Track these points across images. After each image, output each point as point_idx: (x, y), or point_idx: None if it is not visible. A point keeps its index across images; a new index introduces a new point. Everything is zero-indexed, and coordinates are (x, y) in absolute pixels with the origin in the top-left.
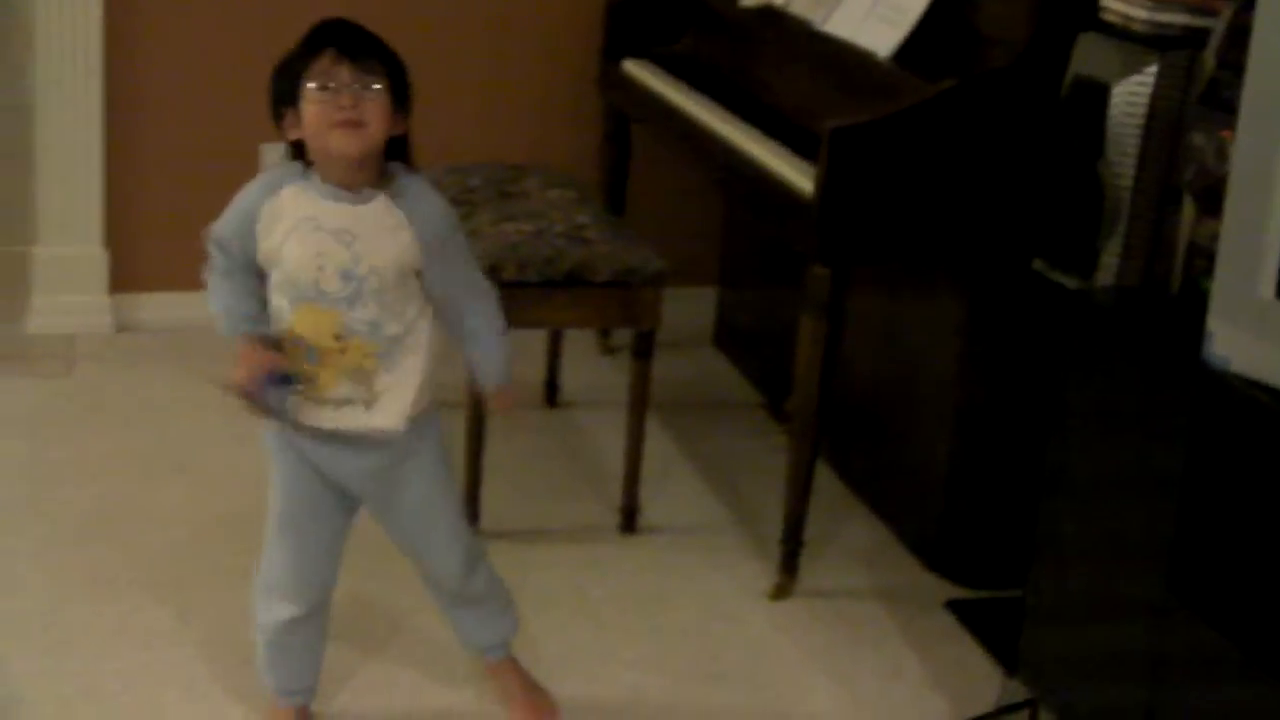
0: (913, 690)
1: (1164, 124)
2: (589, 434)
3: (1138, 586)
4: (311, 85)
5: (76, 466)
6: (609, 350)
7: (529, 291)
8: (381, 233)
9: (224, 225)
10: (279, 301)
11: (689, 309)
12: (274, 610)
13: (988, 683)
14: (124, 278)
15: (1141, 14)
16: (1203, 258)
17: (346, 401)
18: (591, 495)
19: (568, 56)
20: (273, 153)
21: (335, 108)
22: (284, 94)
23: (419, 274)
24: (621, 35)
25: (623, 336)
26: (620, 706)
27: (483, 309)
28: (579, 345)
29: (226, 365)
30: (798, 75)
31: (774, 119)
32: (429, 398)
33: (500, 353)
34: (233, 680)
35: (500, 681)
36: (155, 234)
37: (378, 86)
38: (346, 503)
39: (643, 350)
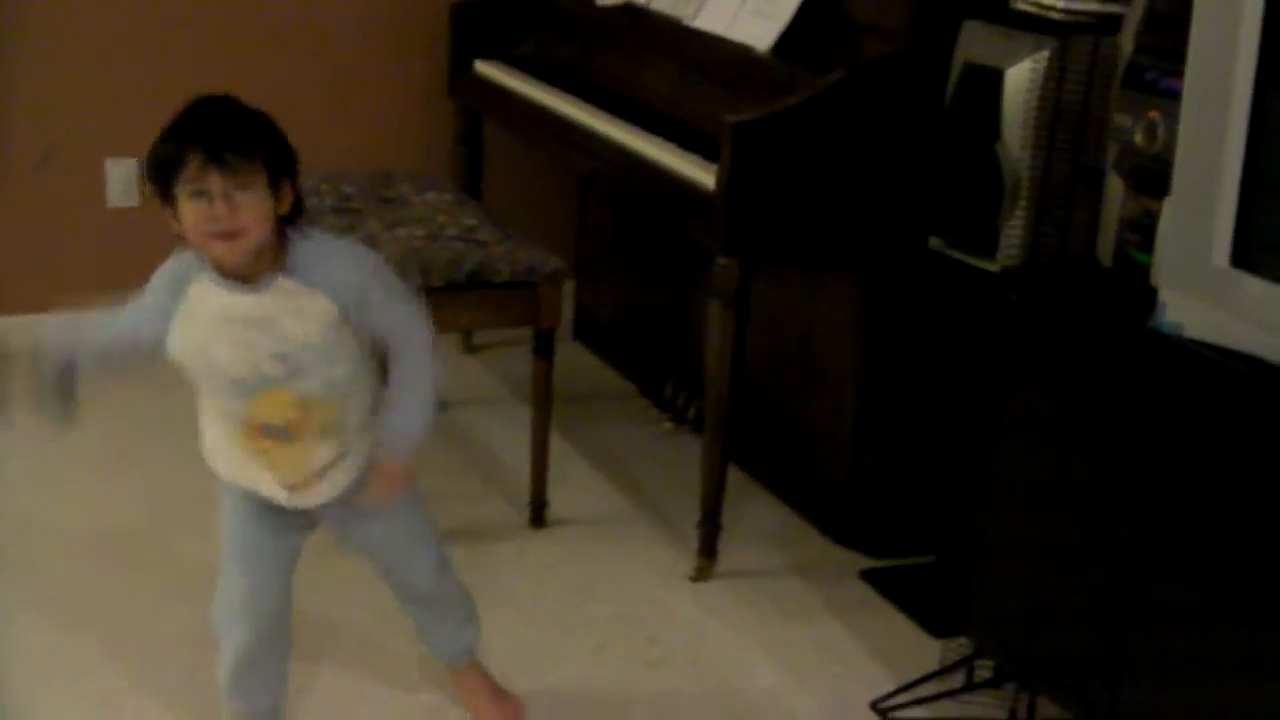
0: (849, 661)
1: (1072, 103)
2: (474, 433)
3: (1094, 543)
4: (183, 194)
5: None
6: (472, 349)
7: (434, 296)
8: (295, 312)
9: (136, 302)
10: (225, 403)
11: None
12: (234, 635)
13: (916, 647)
14: None
15: (1059, 2)
16: (1136, 232)
17: (330, 466)
18: (494, 493)
19: (412, 62)
20: (117, 167)
21: (210, 219)
22: (160, 193)
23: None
24: (468, 38)
25: (484, 336)
26: (570, 699)
27: (409, 359)
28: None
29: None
30: (667, 72)
31: (642, 114)
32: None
33: (411, 419)
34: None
35: (465, 687)
36: (8, 253)
37: (250, 190)
38: (302, 524)
39: (544, 348)
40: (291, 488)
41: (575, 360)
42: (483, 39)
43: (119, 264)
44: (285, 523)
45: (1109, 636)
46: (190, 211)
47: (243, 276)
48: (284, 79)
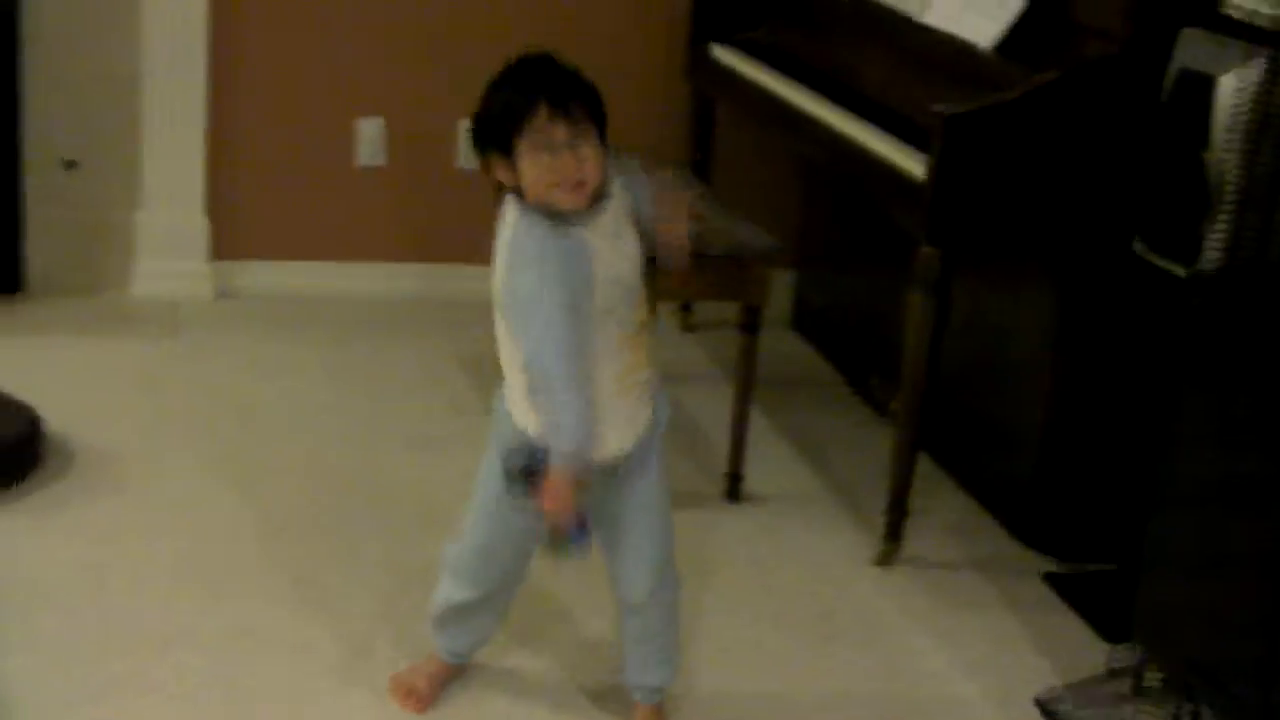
0: (1018, 655)
1: (1278, 114)
2: (681, 408)
3: (1269, 551)
4: (528, 146)
5: (189, 422)
6: (690, 327)
7: (648, 266)
8: (622, 220)
9: (565, 328)
10: (620, 312)
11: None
12: (453, 590)
13: (1088, 650)
14: (224, 245)
15: (1265, 8)
16: None
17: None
18: (692, 465)
19: (652, 43)
20: (369, 127)
21: (555, 169)
22: (493, 142)
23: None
24: (707, 22)
25: (701, 316)
26: (742, 661)
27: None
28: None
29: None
30: (892, 64)
31: (865, 104)
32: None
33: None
34: (367, 619)
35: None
36: (254, 203)
37: (589, 140)
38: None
39: (750, 325)
40: (640, 388)
41: (790, 348)
42: (721, 24)
43: (365, 220)
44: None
45: (1269, 652)
46: (535, 164)
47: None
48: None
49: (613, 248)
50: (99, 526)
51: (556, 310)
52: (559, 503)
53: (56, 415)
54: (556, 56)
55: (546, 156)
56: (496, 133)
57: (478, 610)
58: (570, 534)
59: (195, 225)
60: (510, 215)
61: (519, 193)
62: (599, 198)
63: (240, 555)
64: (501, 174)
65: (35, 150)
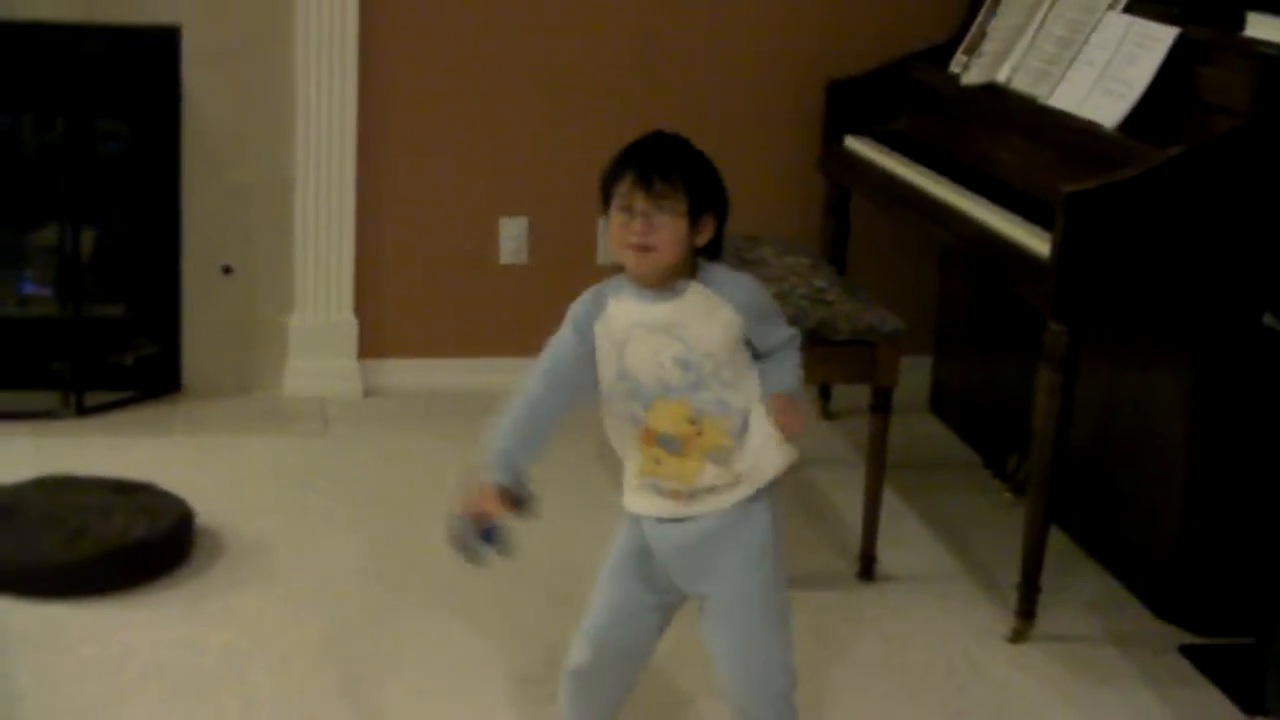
0: None
1: None
2: (819, 491)
3: None
4: (614, 207)
5: (335, 515)
6: (829, 415)
7: None
8: (704, 317)
9: (556, 349)
10: (630, 408)
11: (906, 376)
12: (575, 651)
13: None
14: (371, 344)
15: None
16: None
17: (710, 490)
18: (828, 547)
19: (789, 136)
20: (510, 225)
21: (629, 231)
22: (603, 203)
23: (749, 343)
24: (841, 114)
25: (843, 401)
26: None
27: (786, 352)
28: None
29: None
30: (1020, 146)
31: (996, 187)
32: (773, 474)
33: (788, 374)
34: (504, 701)
35: None
36: (401, 303)
37: (668, 212)
38: (670, 591)
39: (880, 406)
40: (675, 495)
41: (928, 430)
42: (855, 115)
43: (507, 317)
44: (655, 583)
45: None
46: (614, 223)
47: (658, 287)
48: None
49: (647, 341)
50: (244, 615)
51: (565, 334)
52: (463, 503)
53: (209, 508)
54: (673, 135)
55: (622, 217)
56: (602, 193)
57: (596, 681)
58: (470, 537)
59: (344, 326)
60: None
61: None
62: (674, 290)
63: (380, 642)
64: (613, 223)
65: (193, 256)
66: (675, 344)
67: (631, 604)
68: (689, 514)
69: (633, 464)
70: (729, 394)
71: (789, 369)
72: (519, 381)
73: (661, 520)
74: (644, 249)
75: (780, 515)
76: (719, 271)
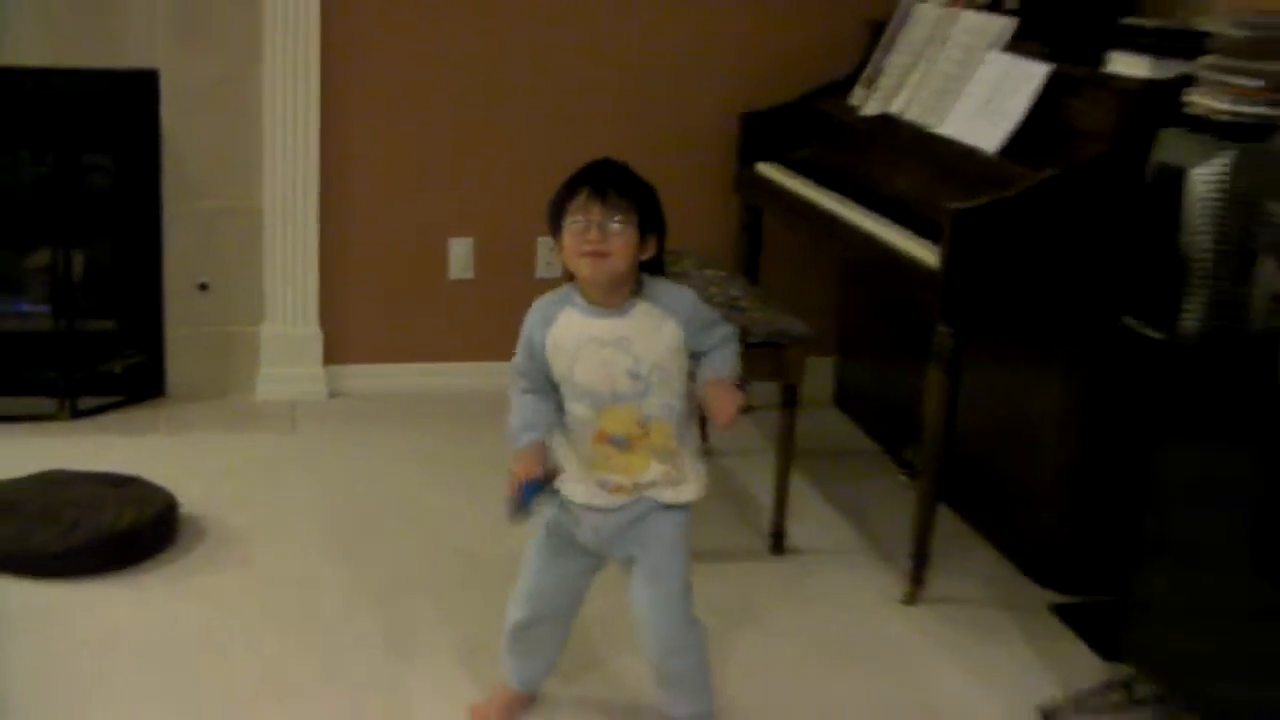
0: (1027, 674)
1: (1241, 199)
2: (736, 476)
3: (1226, 580)
4: (569, 221)
5: (303, 505)
6: (744, 409)
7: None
8: (651, 332)
9: (519, 359)
10: (582, 411)
11: (812, 374)
12: (512, 612)
13: (1090, 669)
14: (334, 351)
15: (1224, 106)
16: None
17: (651, 485)
18: (744, 525)
19: (708, 162)
20: (458, 245)
21: (584, 240)
22: (552, 224)
23: (689, 351)
24: (753, 143)
25: (757, 395)
26: (787, 686)
27: (724, 349)
28: None
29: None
30: (912, 169)
31: (891, 206)
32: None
33: (726, 363)
34: (454, 664)
35: None
36: (360, 315)
37: (620, 223)
38: (592, 560)
39: (789, 401)
40: (618, 488)
41: (833, 424)
42: (765, 143)
43: (456, 327)
44: (578, 552)
45: (1234, 660)
46: (569, 235)
47: (605, 304)
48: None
49: (597, 353)
50: (223, 593)
51: (522, 345)
52: (517, 470)
53: (191, 499)
54: (619, 161)
55: (578, 226)
56: (554, 214)
57: (533, 636)
58: (520, 493)
59: (310, 336)
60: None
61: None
62: (624, 305)
63: (345, 617)
64: (559, 254)
65: (173, 275)
66: (625, 357)
67: (558, 569)
68: (626, 504)
69: (579, 457)
70: (675, 400)
71: (725, 359)
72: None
73: (597, 509)
74: (599, 255)
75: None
76: (661, 286)
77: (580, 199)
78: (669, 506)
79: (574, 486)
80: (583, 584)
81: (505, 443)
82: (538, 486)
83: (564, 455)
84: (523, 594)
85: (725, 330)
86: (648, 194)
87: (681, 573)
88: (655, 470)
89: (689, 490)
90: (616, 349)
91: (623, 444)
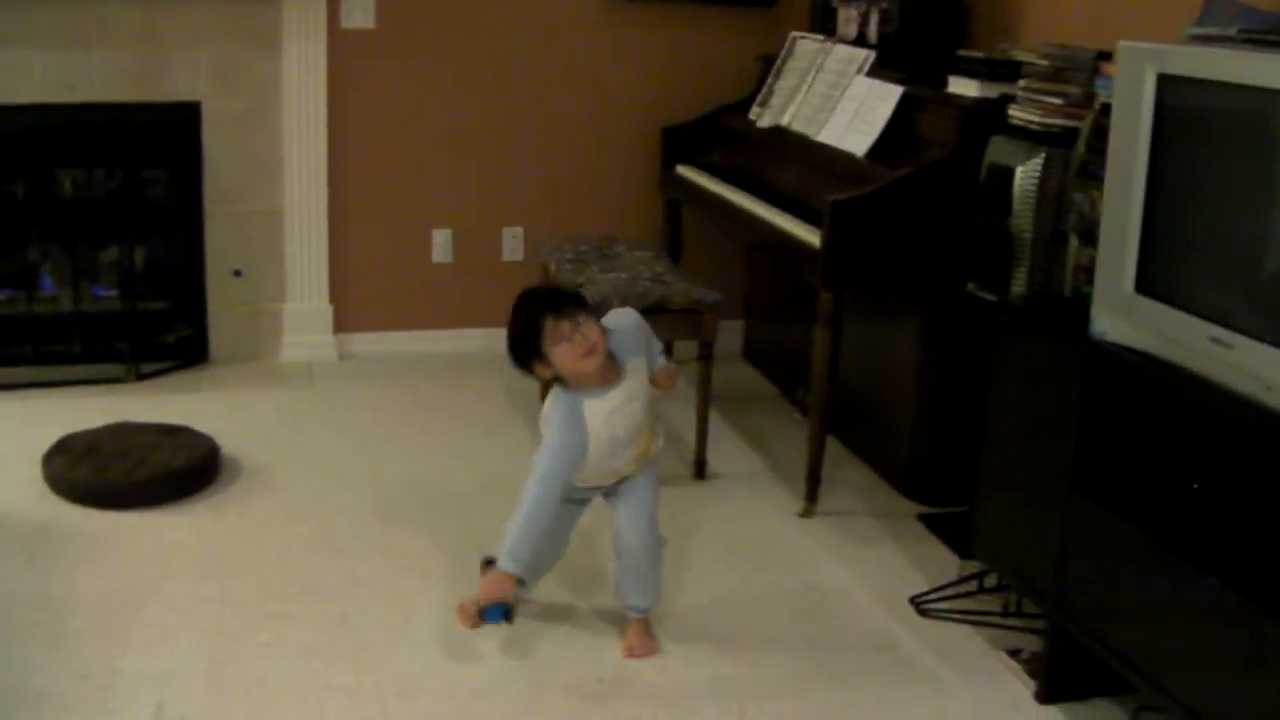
0: (900, 572)
1: (1052, 191)
2: (666, 417)
3: (1050, 492)
4: (551, 344)
5: (320, 445)
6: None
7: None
8: (637, 377)
9: (559, 463)
10: (618, 449)
11: (724, 334)
12: (520, 549)
13: (949, 565)
14: (343, 322)
15: (1036, 118)
16: (1084, 272)
17: (648, 458)
18: (673, 456)
19: (637, 166)
20: (439, 235)
21: (576, 347)
22: (531, 354)
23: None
24: (673, 150)
25: (681, 352)
26: (706, 585)
27: (654, 350)
28: None
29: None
30: (799, 170)
31: (783, 199)
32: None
33: (661, 359)
34: (442, 569)
35: (631, 629)
36: (363, 293)
37: (585, 320)
38: (586, 498)
39: (706, 355)
40: (616, 474)
41: (742, 375)
42: (683, 151)
43: (438, 301)
44: (575, 496)
45: (1059, 551)
46: (560, 352)
47: (606, 382)
48: (548, 177)
49: (610, 419)
50: (257, 517)
51: (559, 457)
52: (488, 592)
53: (230, 443)
54: (538, 287)
55: (565, 344)
56: (529, 347)
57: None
58: (490, 612)
59: (323, 310)
60: (554, 392)
61: (560, 380)
62: (610, 383)
63: (354, 533)
64: (543, 372)
65: (214, 265)
66: (636, 405)
67: (562, 515)
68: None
69: (621, 461)
70: (650, 413)
71: (660, 356)
72: (540, 487)
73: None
74: (591, 351)
75: None
76: (616, 337)
77: (548, 325)
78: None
79: (589, 483)
80: (578, 511)
81: (501, 544)
82: (503, 610)
83: (583, 472)
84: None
85: (654, 338)
86: (580, 297)
87: (656, 498)
88: (634, 466)
89: (657, 446)
90: (630, 403)
91: (632, 445)
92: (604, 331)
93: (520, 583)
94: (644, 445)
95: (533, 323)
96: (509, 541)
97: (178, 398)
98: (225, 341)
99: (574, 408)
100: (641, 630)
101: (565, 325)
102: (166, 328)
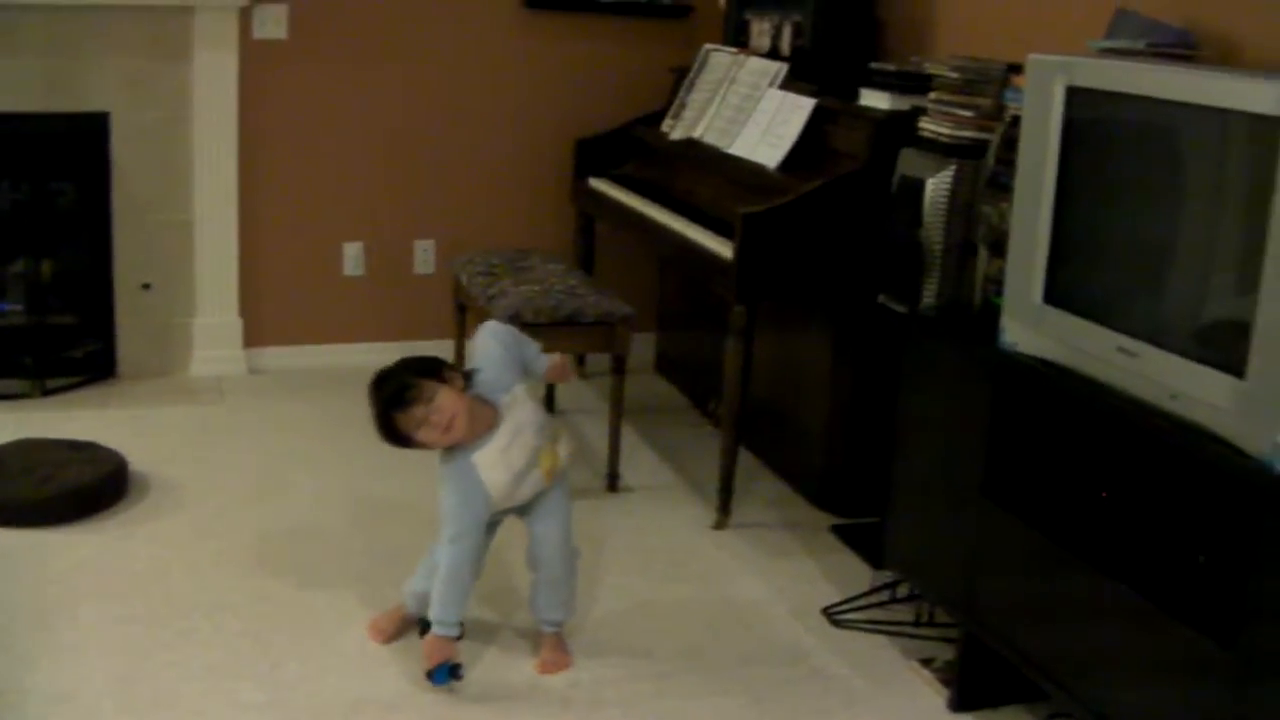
0: (813, 582)
1: (963, 203)
2: (578, 430)
3: (961, 500)
4: (409, 432)
5: (229, 461)
6: (583, 376)
7: (541, 330)
8: (523, 405)
9: (468, 521)
10: (524, 478)
11: (637, 347)
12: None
13: (861, 575)
14: (253, 336)
15: (947, 130)
16: (994, 283)
17: (555, 469)
18: (585, 468)
19: (549, 178)
20: (350, 248)
21: (434, 428)
22: (402, 444)
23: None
24: (585, 162)
25: (593, 364)
26: (619, 597)
27: (532, 349)
28: None
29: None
30: (711, 181)
31: (695, 211)
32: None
33: (539, 351)
34: (350, 588)
35: (545, 644)
36: (273, 306)
37: (429, 400)
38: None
39: (618, 368)
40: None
41: (654, 386)
42: (595, 163)
43: (350, 315)
44: (492, 522)
45: (970, 560)
46: (423, 436)
47: (484, 430)
48: (460, 190)
49: (503, 460)
50: (166, 534)
51: (464, 518)
52: (432, 656)
53: (139, 459)
54: (379, 374)
55: (424, 428)
56: (396, 440)
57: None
58: (438, 674)
59: (232, 324)
60: (441, 457)
61: None
62: (491, 428)
63: (262, 550)
64: (426, 446)
65: (122, 277)
66: (526, 434)
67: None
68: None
69: (529, 485)
70: (545, 429)
71: (541, 354)
72: (454, 550)
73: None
74: (449, 426)
75: None
76: (484, 375)
77: (401, 420)
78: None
79: (503, 509)
80: (493, 537)
81: (432, 612)
82: (448, 669)
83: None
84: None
85: (528, 340)
86: (415, 363)
87: (569, 511)
88: (554, 463)
89: (564, 458)
90: (518, 439)
91: (535, 469)
92: (466, 385)
93: (459, 638)
94: (549, 463)
95: (385, 422)
96: (438, 609)
97: (85, 414)
98: (134, 356)
99: (463, 469)
100: (555, 644)
101: (418, 410)
102: (74, 342)
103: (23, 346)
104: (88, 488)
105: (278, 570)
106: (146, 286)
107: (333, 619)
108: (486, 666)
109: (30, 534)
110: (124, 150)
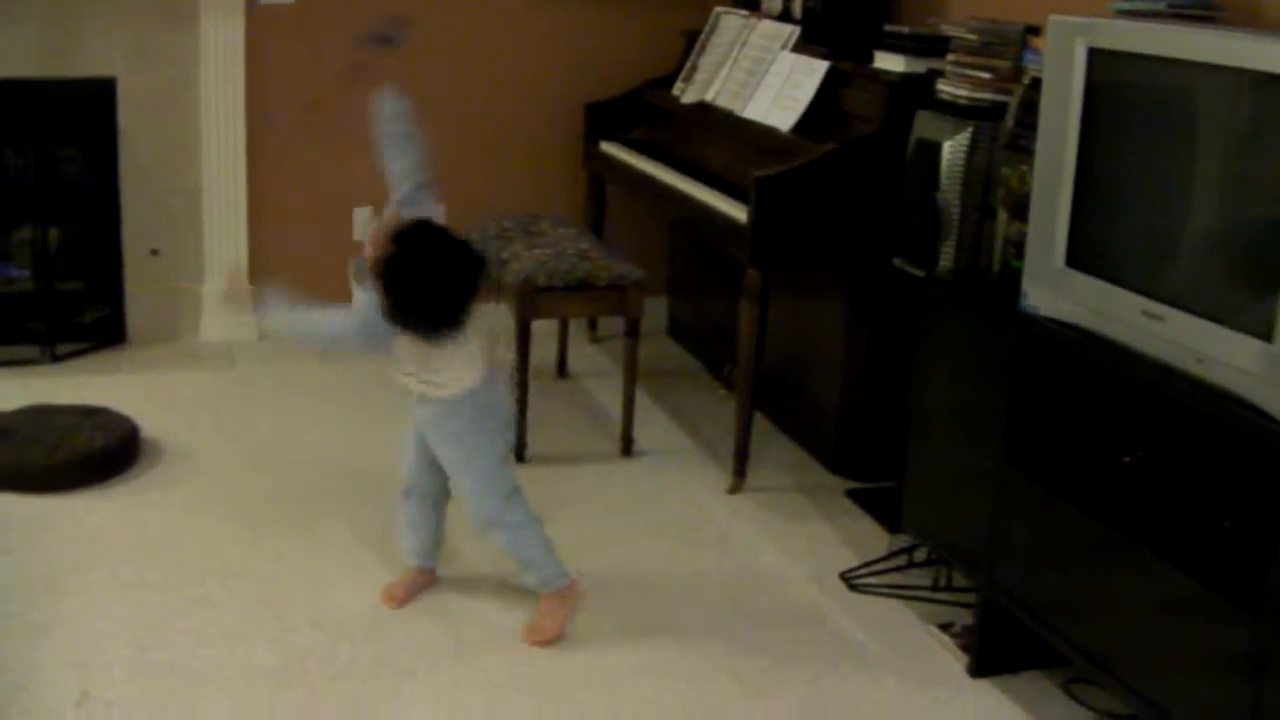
0: (829, 547)
1: (981, 165)
2: (591, 394)
3: (981, 465)
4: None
5: (240, 426)
6: (596, 340)
7: (555, 293)
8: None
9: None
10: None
11: (649, 311)
12: (401, 481)
13: (877, 540)
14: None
15: (964, 93)
16: (1014, 247)
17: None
18: (600, 433)
19: (561, 142)
20: (362, 214)
21: None
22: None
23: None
24: (596, 126)
25: (605, 329)
26: (634, 563)
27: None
28: (575, 337)
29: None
30: (724, 145)
31: (708, 175)
32: (467, 386)
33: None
34: (361, 548)
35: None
36: (283, 272)
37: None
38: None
39: (631, 332)
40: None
41: (666, 350)
42: (606, 127)
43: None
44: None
45: (991, 525)
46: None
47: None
48: (471, 154)
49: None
50: (177, 499)
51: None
52: (556, 614)
53: (150, 424)
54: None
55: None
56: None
57: (413, 500)
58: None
59: (242, 290)
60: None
61: None
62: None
63: (275, 515)
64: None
65: (131, 244)
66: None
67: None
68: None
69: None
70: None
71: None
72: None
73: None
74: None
75: (476, 417)
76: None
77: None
78: (444, 416)
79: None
80: (436, 470)
81: (537, 576)
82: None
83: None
84: (404, 467)
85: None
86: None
87: (469, 466)
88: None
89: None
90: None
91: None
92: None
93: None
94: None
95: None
96: (540, 574)
97: (95, 379)
98: (143, 322)
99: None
100: (542, 608)
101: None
102: (82, 308)
103: (32, 313)
104: (99, 453)
105: (290, 534)
106: (155, 252)
107: (346, 583)
108: (502, 633)
109: (42, 500)
110: (131, 116)
